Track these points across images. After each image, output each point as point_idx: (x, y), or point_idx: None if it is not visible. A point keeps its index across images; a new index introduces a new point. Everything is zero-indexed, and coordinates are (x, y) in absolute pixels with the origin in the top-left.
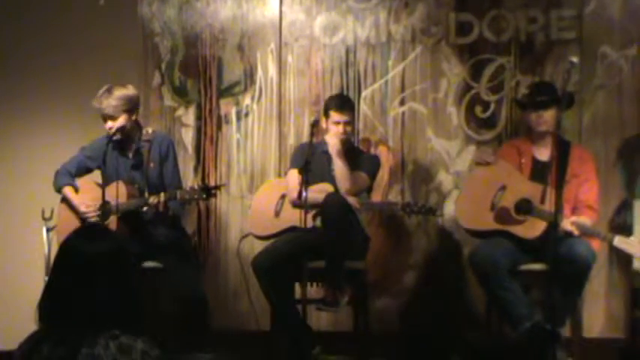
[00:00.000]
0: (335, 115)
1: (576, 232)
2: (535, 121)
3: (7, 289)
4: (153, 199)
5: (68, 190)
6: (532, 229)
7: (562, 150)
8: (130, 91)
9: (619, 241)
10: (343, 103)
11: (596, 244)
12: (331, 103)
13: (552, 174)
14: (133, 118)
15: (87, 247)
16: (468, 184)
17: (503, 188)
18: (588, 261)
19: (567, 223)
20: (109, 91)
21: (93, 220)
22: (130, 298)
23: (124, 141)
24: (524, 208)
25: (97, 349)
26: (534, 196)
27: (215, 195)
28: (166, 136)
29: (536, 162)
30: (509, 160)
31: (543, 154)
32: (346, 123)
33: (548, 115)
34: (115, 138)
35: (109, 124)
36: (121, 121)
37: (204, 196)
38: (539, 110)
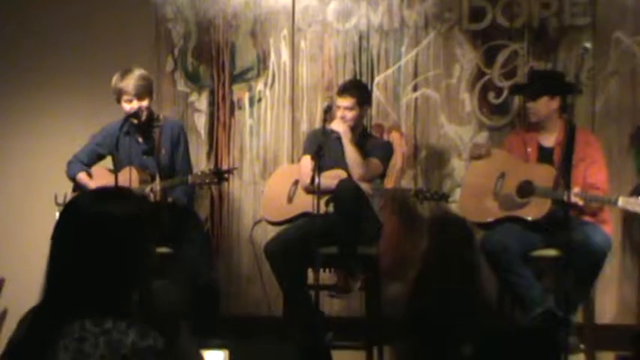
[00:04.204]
0: (338, 100)
1: (581, 203)
2: (527, 111)
3: (20, 275)
4: (148, 188)
5: (82, 176)
6: (538, 208)
7: (568, 134)
8: (147, 73)
9: (624, 201)
10: (344, 88)
11: (608, 230)
12: (338, 88)
13: (555, 156)
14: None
15: (108, 209)
16: (467, 180)
17: (502, 176)
18: (604, 250)
19: (572, 196)
20: (130, 71)
21: None
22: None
23: (138, 126)
24: (527, 189)
25: (85, 346)
26: (534, 176)
27: (227, 179)
28: (177, 122)
29: (541, 149)
30: (515, 150)
31: (548, 140)
32: (346, 108)
33: (539, 105)
34: (135, 121)
35: (135, 104)
36: (147, 102)
37: (216, 180)
38: (528, 100)
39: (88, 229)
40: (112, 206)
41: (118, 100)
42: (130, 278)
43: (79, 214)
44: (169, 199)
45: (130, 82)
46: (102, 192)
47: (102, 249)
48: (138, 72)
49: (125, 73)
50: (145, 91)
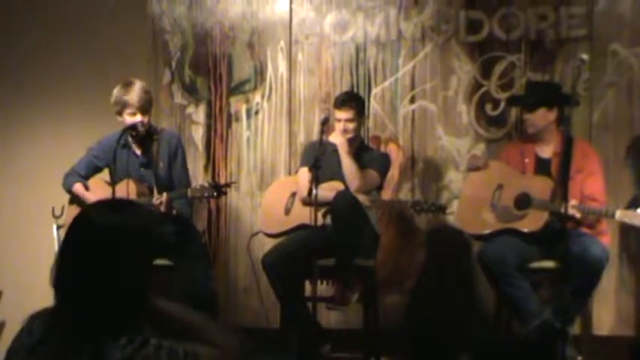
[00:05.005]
0: (336, 113)
1: (578, 215)
2: (524, 123)
3: (17, 286)
4: (156, 199)
5: (79, 187)
6: (535, 220)
7: (566, 145)
8: (147, 85)
9: (621, 214)
10: (343, 100)
11: (606, 241)
12: (335, 101)
13: (553, 167)
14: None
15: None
16: (464, 192)
17: (499, 187)
18: (601, 262)
19: (569, 208)
20: (132, 83)
21: None
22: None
23: (135, 138)
24: (524, 201)
25: None
26: (532, 188)
27: (225, 193)
28: (174, 134)
29: (539, 160)
30: (513, 161)
31: (545, 151)
32: (347, 120)
33: (536, 117)
34: (133, 134)
35: (137, 117)
36: (148, 116)
37: (215, 193)
38: (525, 112)
39: (98, 241)
40: (123, 218)
41: (120, 113)
42: (132, 292)
43: (89, 226)
44: (174, 211)
45: (135, 95)
46: (110, 204)
47: (109, 262)
48: (139, 84)
49: (128, 85)
50: (147, 104)
